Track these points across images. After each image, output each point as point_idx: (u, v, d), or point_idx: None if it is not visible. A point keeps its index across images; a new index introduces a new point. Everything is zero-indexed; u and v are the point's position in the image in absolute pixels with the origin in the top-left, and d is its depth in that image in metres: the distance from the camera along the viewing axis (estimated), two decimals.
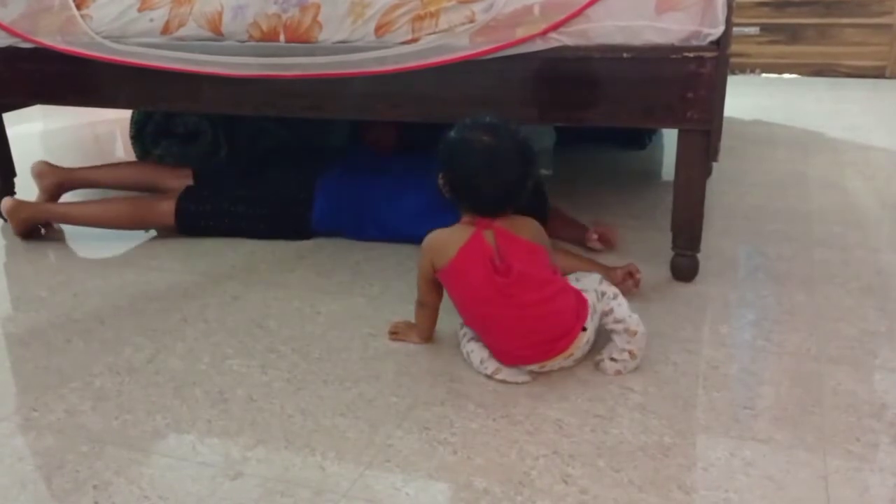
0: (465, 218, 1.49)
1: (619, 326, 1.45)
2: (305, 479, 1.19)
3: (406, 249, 1.98)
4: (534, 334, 1.41)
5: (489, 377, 1.45)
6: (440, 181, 1.49)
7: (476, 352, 1.47)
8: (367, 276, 1.92)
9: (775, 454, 1.22)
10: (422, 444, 1.26)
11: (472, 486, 1.16)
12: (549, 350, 1.42)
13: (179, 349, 1.59)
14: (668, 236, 1.85)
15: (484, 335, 1.47)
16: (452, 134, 1.49)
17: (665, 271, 1.85)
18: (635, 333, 1.45)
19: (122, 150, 3.24)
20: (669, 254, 1.85)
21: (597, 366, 1.48)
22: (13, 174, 2.34)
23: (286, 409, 1.37)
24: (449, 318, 1.56)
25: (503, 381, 1.43)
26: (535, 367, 1.44)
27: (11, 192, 2.33)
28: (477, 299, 1.44)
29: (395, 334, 1.61)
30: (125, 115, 3.12)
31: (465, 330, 1.52)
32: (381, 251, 2.06)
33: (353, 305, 1.77)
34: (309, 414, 1.36)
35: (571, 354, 1.44)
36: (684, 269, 1.82)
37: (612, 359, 1.46)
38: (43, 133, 3.57)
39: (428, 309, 1.56)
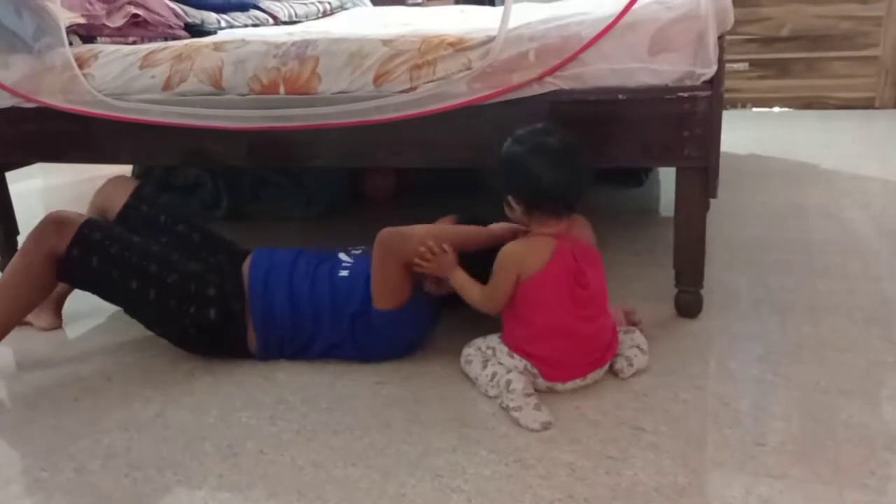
0: (541, 229, 1.52)
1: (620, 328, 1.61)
2: None
3: None
4: (594, 345, 1.52)
5: (504, 409, 1.45)
6: (511, 203, 1.51)
7: (516, 381, 1.47)
8: None
9: (792, 490, 1.22)
10: (435, 493, 1.25)
11: None
12: (597, 361, 1.53)
13: (187, 403, 1.58)
14: (670, 272, 1.86)
15: (547, 346, 1.49)
16: (513, 149, 1.50)
17: (669, 308, 1.86)
18: (634, 330, 1.64)
19: None
20: (672, 290, 1.86)
21: (611, 368, 1.57)
22: (16, 232, 2.35)
23: (297, 460, 1.37)
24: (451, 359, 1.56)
25: (516, 421, 1.43)
26: (578, 382, 1.52)
27: (14, 250, 2.33)
28: (554, 310, 1.48)
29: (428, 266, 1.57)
30: (125, 169, 3.14)
31: (498, 350, 1.54)
32: None
33: None
34: (320, 465, 1.35)
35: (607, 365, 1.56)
36: (689, 305, 1.83)
37: (626, 357, 1.57)
38: (43, 189, 3.59)
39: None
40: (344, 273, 1.71)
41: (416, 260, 1.55)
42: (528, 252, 1.50)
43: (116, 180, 2.00)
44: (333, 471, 1.33)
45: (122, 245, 1.69)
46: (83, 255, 1.66)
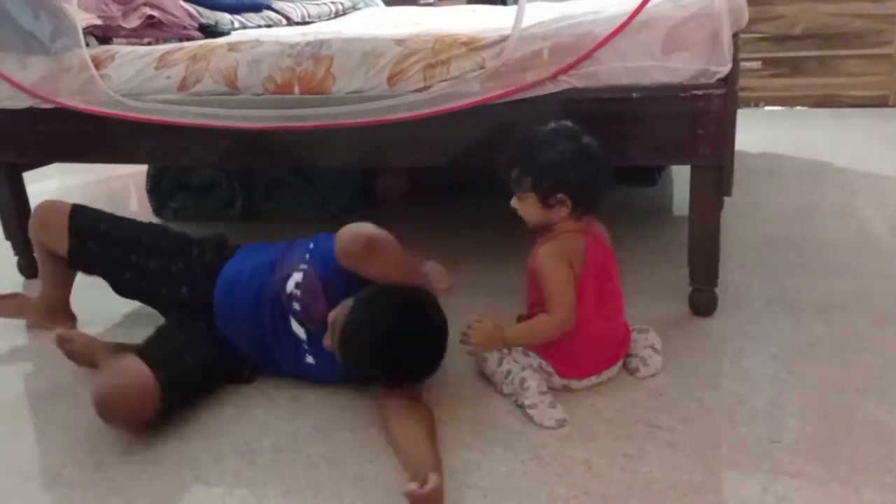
0: (568, 226, 1.50)
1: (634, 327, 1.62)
2: None
3: None
4: (610, 342, 1.54)
5: (520, 406, 1.46)
6: (559, 198, 1.46)
7: (530, 379, 1.47)
8: None
9: (808, 488, 1.22)
10: (451, 490, 1.26)
11: None
12: (611, 359, 1.54)
13: (204, 400, 1.59)
14: (684, 271, 1.86)
15: (565, 344, 1.48)
16: (564, 147, 1.46)
17: (683, 307, 1.86)
18: (648, 329, 1.63)
19: (137, 204, 3.27)
20: (686, 289, 1.86)
21: (625, 367, 1.58)
22: None
23: (313, 458, 1.37)
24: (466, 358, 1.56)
25: (531, 419, 1.43)
26: (593, 380, 1.53)
27: (33, 250, 2.36)
28: (581, 306, 1.47)
29: (475, 342, 1.48)
30: (140, 169, 3.17)
31: (513, 348, 1.54)
32: None
33: None
34: (336, 462, 1.36)
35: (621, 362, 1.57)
36: (703, 304, 1.83)
37: (641, 358, 1.57)
38: (59, 190, 3.62)
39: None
40: (310, 360, 1.58)
41: (461, 340, 1.49)
42: (571, 250, 1.48)
43: (44, 214, 1.84)
44: (349, 468, 1.34)
45: (111, 223, 1.82)
46: (81, 245, 1.77)
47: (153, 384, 1.42)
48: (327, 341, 1.46)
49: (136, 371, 1.44)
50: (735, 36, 1.66)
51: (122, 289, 1.81)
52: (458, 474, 1.30)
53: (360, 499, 1.25)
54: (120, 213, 1.91)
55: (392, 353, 1.39)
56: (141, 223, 1.87)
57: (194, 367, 1.55)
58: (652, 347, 1.60)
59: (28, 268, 2.37)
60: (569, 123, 1.52)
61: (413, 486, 1.18)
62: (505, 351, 1.54)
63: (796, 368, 1.59)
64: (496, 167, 1.54)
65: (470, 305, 1.90)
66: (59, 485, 1.35)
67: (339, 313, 1.44)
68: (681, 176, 3.16)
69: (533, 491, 1.24)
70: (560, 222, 1.50)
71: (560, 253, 1.47)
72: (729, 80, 1.64)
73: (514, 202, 1.53)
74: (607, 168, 1.50)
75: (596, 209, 1.54)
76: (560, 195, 1.46)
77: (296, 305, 1.55)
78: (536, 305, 1.53)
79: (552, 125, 1.52)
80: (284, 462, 1.37)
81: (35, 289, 2.24)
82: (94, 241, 1.79)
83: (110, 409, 1.41)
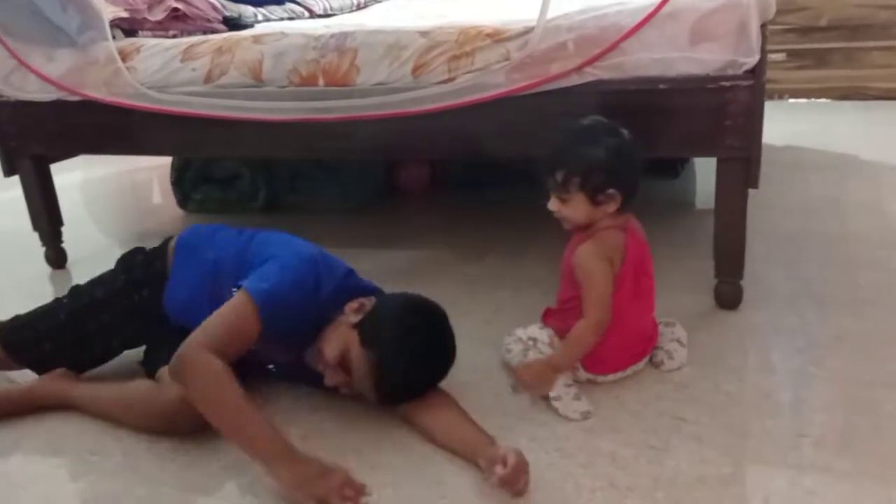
0: (611, 222, 1.48)
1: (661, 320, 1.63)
2: None
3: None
4: (640, 338, 1.54)
5: (544, 398, 1.46)
6: (610, 194, 1.44)
7: None
8: None
9: (837, 483, 1.21)
10: (477, 480, 1.26)
11: None
12: (639, 354, 1.54)
13: None
14: (708, 264, 1.84)
15: (603, 338, 1.47)
16: (614, 142, 1.44)
17: (708, 300, 1.84)
18: (674, 323, 1.63)
19: (161, 196, 3.30)
20: (711, 282, 1.84)
21: (650, 360, 1.58)
22: (61, 223, 2.40)
23: (340, 447, 1.38)
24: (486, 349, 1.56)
25: (556, 411, 1.43)
26: (619, 374, 1.53)
27: (59, 241, 2.39)
28: (619, 301, 1.47)
29: (534, 384, 1.47)
30: (164, 161, 3.19)
31: (539, 340, 1.54)
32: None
33: None
34: (362, 452, 1.37)
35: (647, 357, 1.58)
36: (728, 296, 1.81)
37: (666, 351, 1.57)
38: (83, 182, 3.65)
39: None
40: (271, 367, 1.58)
41: (519, 385, 1.49)
42: (612, 246, 1.47)
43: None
44: (375, 457, 1.35)
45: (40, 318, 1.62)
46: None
47: None
48: (334, 379, 1.42)
49: None
50: (763, 27, 1.64)
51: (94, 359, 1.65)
52: None
53: (386, 486, 1.26)
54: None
55: (428, 375, 1.41)
56: (61, 302, 1.65)
57: None
58: (678, 341, 1.59)
59: (56, 258, 2.40)
60: (601, 118, 1.50)
61: (498, 469, 1.18)
62: (530, 343, 1.54)
63: (823, 362, 1.57)
64: (534, 170, 1.50)
65: (492, 297, 1.90)
66: (88, 472, 1.37)
67: (343, 350, 1.38)
68: (703, 168, 3.14)
69: (559, 482, 1.24)
70: (612, 218, 1.47)
71: (602, 251, 1.45)
72: (757, 72, 1.62)
73: (553, 205, 1.48)
74: (643, 160, 1.49)
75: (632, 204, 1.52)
76: (611, 191, 1.44)
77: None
78: (570, 301, 1.52)
79: (586, 121, 1.49)
80: (310, 451, 1.37)
81: (62, 280, 2.28)
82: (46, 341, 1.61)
83: (182, 415, 1.38)
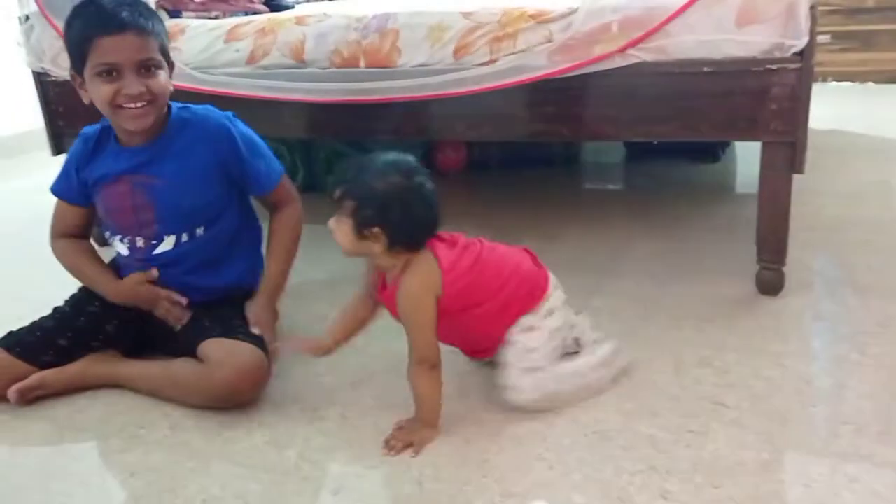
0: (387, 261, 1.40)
1: None
2: (405, 496, 1.21)
3: None
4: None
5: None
6: (374, 232, 1.35)
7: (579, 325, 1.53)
8: None
9: (880, 470, 1.20)
10: (517, 460, 1.27)
11: (573, 503, 1.17)
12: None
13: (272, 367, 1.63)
14: (749, 249, 1.83)
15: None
16: (398, 182, 1.35)
17: (750, 285, 1.83)
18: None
19: None
20: (752, 267, 1.83)
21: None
22: None
23: (379, 425, 1.40)
24: None
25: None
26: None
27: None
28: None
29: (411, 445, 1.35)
30: None
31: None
32: None
33: None
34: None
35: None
36: (770, 282, 1.80)
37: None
38: None
39: None
40: None
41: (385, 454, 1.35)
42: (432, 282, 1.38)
43: None
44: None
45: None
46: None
47: (262, 357, 1.51)
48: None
49: (245, 348, 1.50)
50: (813, 8, 1.61)
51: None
52: (523, 445, 1.31)
53: (427, 466, 1.28)
54: None
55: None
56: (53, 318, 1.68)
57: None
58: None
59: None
60: (410, 158, 1.40)
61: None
62: (554, 326, 1.50)
63: (867, 350, 1.56)
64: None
65: None
66: (137, 445, 1.41)
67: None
68: (744, 152, 3.10)
69: (598, 464, 1.25)
70: (375, 256, 1.39)
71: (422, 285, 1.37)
72: (805, 55, 1.60)
73: (330, 222, 1.39)
74: (437, 212, 1.39)
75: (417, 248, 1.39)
76: (375, 229, 1.34)
77: None
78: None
79: (393, 156, 1.39)
80: (351, 429, 1.40)
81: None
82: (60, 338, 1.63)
83: (238, 392, 1.47)
